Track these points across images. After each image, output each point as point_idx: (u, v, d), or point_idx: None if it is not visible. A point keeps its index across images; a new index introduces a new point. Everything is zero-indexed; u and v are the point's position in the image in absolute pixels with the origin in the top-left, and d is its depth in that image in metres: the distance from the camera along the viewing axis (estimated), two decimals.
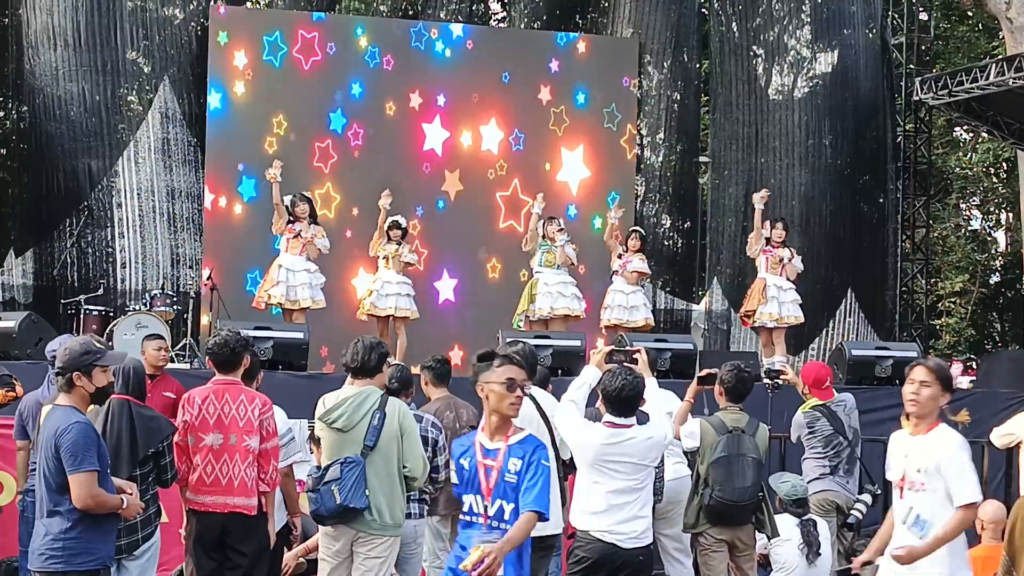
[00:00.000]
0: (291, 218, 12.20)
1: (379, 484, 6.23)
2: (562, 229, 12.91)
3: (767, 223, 13.10)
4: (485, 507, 5.24)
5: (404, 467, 6.32)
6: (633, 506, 6.10)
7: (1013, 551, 5.83)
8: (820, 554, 7.55)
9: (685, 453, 7.67)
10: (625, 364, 6.45)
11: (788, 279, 12.83)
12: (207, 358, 6.68)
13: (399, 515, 6.37)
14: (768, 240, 12.87)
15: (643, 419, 6.18)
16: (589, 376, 6.37)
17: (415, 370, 7.87)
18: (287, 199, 12.35)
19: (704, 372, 7.35)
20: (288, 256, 12.20)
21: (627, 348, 6.71)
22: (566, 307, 12.67)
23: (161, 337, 8.72)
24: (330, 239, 12.80)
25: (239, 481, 6.48)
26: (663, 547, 7.77)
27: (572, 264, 13.06)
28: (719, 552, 7.31)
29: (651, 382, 6.44)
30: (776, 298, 12.66)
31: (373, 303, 12.57)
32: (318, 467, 6.39)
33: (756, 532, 7.32)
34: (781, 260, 12.79)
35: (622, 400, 6.04)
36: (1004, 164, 23.84)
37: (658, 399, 6.38)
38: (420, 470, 6.38)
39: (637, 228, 14.01)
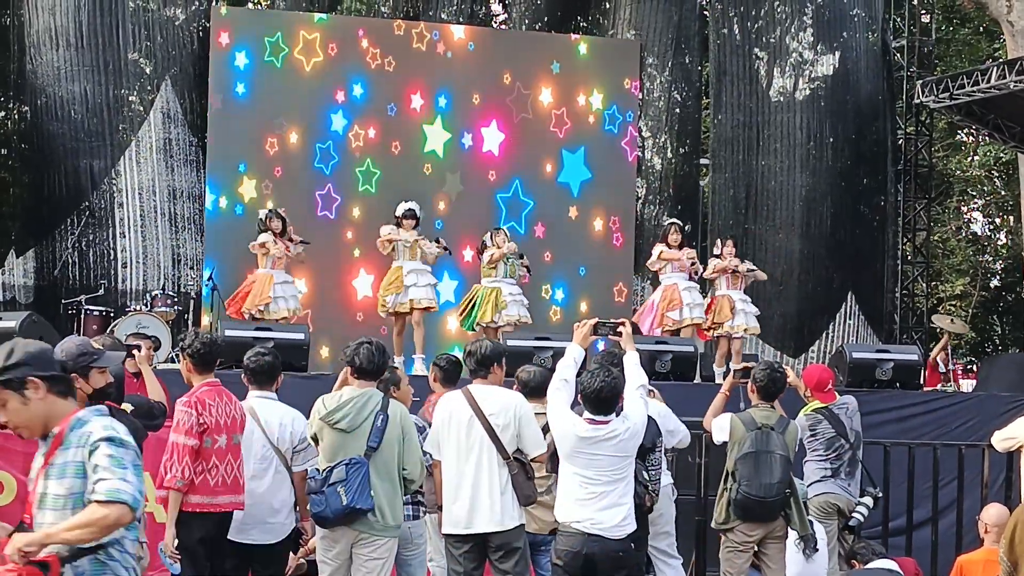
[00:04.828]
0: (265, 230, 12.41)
1: (381, 485, 6.25)
2: (509, 240, 12.97)
3: (717, 241, 13.60)
4: None
5: (403, 469, 6.34)
6: (613, 495, 6.07)
7: (1014, 558, 5.79)
8: (817, 549, 7.61)
9: (668, 449, 7.73)
10: (610, 337, 6.57)
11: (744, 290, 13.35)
12: (189, 360, 6.66)
13: (399, 516, 6.40)
14: (719, 256, 13.22)
15: (618, 408, 6.17)
16: (575, 353, 6.38)
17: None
18: (261, 213, 12.78)
19: (740, 366, 7.50)
20: (279, 272, 12.43)
21: (611, 322, 6.69)
22: (526, 316, 12.89)
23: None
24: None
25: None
26: (652, 553, 7.77)
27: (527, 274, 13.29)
28: (745, 553, 7.41)
29: (632, 356, 6.40)
30: (744, 311, 13.18)
31: (408, 296, 12.48)
32: (318, 469, 6.39)
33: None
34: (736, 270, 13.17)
35: (601, 400, 6.06)
36: (1005, 167, 23.84)
37: (635, 374, 6.34)
38: (418, 472, 6.41)
39: (676, 220, 13.67)
